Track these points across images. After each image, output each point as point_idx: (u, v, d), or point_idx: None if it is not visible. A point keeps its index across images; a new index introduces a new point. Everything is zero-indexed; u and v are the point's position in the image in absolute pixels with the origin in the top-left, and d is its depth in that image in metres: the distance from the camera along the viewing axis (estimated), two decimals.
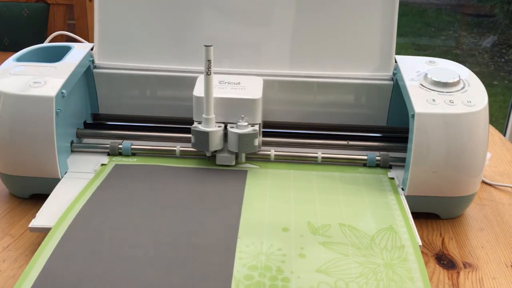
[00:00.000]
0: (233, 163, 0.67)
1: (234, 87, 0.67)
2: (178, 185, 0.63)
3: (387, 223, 0.57)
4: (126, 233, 0.55)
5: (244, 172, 0.66)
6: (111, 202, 0.60)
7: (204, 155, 0.67)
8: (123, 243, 0.53)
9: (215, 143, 0.64)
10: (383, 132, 0.73)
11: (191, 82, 0.67)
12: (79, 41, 0.88)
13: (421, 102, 0.62)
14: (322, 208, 0.59)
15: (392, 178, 0.65)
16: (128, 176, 0.64)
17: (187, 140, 0.68)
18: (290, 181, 0.64)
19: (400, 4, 0.70)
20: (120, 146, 0.69)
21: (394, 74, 0.71)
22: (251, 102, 0.65)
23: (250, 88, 0.67)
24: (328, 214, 0.58)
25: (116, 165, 0.67)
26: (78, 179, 0.64)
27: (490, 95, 0.63)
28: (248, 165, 0.67)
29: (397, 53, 0.72)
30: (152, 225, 0.56)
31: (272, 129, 0.72)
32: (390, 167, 0.68)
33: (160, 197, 0.61)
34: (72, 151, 0.69)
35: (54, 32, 0.89)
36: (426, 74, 0.66)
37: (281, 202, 0.60)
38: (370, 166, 0.68)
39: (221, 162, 0.67)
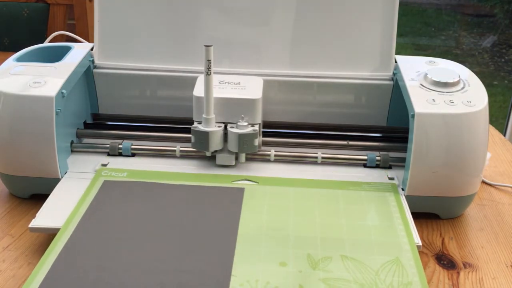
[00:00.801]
0: (233, 163, 0.67)
1: (234, 87, 0.67)
2: (170, 208, 0.59)
3: (393, 255, 0.53)
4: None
5: (241, 191, 0.62)
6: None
7: (204, 155, 0.67)
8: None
9: (215, 143, 0.64)
10: (383, 132, 0.73)
11: (191, 82, 0.67)
12: (79, 41, 0.88)
13: (421, 102, 0.62)
14: (323, 234, 0.55)
15: (392, 178, 0.65)
16: (118, 197, 0.61)
17: (187, 140, 0.68)
18: (289, 201, 0.61)
19: (400, 4, 0.70)
20: (120, 146, 0.69)
21: (394, 74, 0.71)
22: (251, 102, 0.65)
23: (250, 88, 0.67)
24: (329, 244, 0.54)
25: (105, 181, 0.63)
26: (78, 179, 0.64)
27: (490, 95, 0.63)
28: (245, 182, 0.64)
29: (397, 53, 0.72)
30: (139, 260, 0.52)
31: (272, 129, 0.72)
32: (390, 167, 0.68)
33: (149, 223, 0.57)
34: (72, 151, 0.69)
35: (54, 32, 0.89)
36: (426, 74, 0.66)
37: (279, 228, 0.56)
38: (370, 166, 0.67)
39: (221, 162, 0.67)
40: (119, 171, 0.65)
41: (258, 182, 0.64)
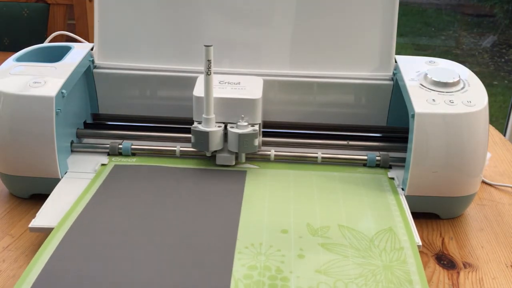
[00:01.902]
0: (233, 163, 0.67)
1: (234, 87, 0.67)
2: (177, 186, 0.63)
3: (386, 225, 0.57)
4: (126, 234, 0.55)
5: (244, 173, 0.66)
6: (111, 204, 0.59)
7: (204, 155, 0.67)
8: (123, 244, 0.53)
9: (215, 143, 0.64)
10: (383, 132, 0.73)
11: (191, 82, 0.67)
12: (79, 41, 0.88)
13: (421, 102, 0.62)
14: (321, 209, 0.59)
15: (392, 178, 0.65)
16: (127, 177, 0.64)
17: (187, 140, 0.68)
18: (289, 182, 0.64)
19: (400, 4, 0.70)
20: (120, 146, 0.69)
21: (394, 74, 0.71)
22: (251, 102, 0.65)
23: (250, 88, 0.67)
24: (327, 216, 0.58)
25: (115, 165, 0.66)
26: (78, 179, 0.64)
27: (490, 95, 0.63)
28: (247, 165, 0.67)
29: (397, 53, 0.72)
30: (151, 227, 0.56)
31: (272, 129, 0.72)
32: (390, 167, 0.68)
33: (159, 198, 0.60)
34: (72, 151, 0.69)
35: (54, 32, 0.89)
36: (426, 74, 0.66)
37: (280, 203, 0.60)
38: (370, 166, 0.68)
39: (221, 162, 0.67)
40: (128, 157, 0.69)
41: (259, 167, 0.67)
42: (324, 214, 0.59)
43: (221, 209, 0.59)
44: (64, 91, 0.64)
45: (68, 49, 0.73)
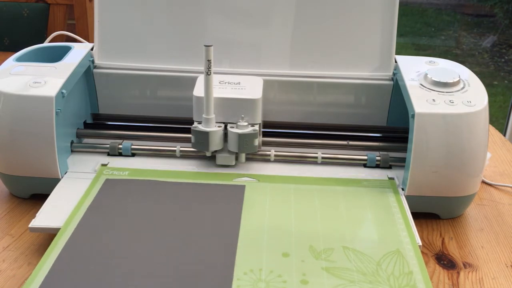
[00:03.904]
0: (233, 163, 0.67)
1: (234, 87, 0.67)
2: (173, 204, 0.60)
3: (393, 246, 0.54)
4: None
5: (242, 188, 0.63)
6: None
7: (204, 155, 0.67)
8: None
9: (215, 143, 0.64)
10: (383, 132, 0.73)
11: (191, 82, 0.67)
12: (79, 41, 0.88)
13: (421, 102, 0.62)
14: (324, 227, 0.56)
15: (392, 178, 0.65)
16: (120, 194, 0.61)
17: (187, 140, 0.68)
18: (290, 196, 0.61)
19: (400, 4, 0.70)
20: (120, 146, 0.69)
21: (394, 74, 0.71)
22: (251, 102, 0.65)
23: (250, 88, 0.67)
24: (330, 236, 0.55)
25: (107, 180, 0.64)
26: (78, 179, 0.64)
27: (490, 95, 0.63)
28: (246, 179, 0.65)
29: (397, 53, 0.72)
30: (144, 254, 0.52)
31: (272, 129, 0.72)
32: (390, 167, 0.68)
33: (153, 219, 0.57)
34: (72, 151, 0.69)
35: (54, 32, 0.89)
36: (426, 74, 0.66)
37: (281, 222, 0.57)
38: (370, 166, 0.67)
39: (221, 162, 0.67)
40: (120, 170, 0.65)
41: (258, 180, 0.64)
42: (327, 233, 0.55)
43: (218, 231, 0.55)
44: (64, 91, 0.64)
45: (68, 49, 0.73)
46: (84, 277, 0.49)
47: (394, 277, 0.50)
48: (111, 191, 0.61)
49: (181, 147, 0.68)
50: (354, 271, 0.50)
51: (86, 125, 0.73)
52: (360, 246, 0.54)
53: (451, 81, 0.65)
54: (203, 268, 0.50)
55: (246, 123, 0.64)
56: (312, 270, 0.50)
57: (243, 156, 0.66)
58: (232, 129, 0.64)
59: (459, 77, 0.66)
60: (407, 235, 0.56)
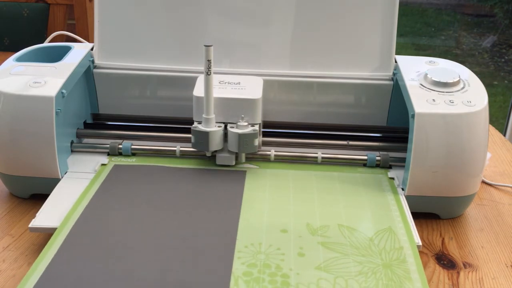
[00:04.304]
0: (233, 163, 0.67)
1: (234, 87, 0.67)
2: (177, 186, 0.63)
3: (385, 224, 0.57)
4: (126, 235, 0.55)
5: (243, 173, 0.66)
6: (111, 204, 0.59)
7: (204, 155, 0.67)
8: (123, 245, 0.53)
9: (215, 143, 0.64)
10: (383, 132, 0.73)
11: (191, 82, 0.67)
12: (79, 41, 0.88)
13: (421, 102, 0.62)
14: (321, 209, 0.60)
15: (392, 178, 0.65)
16: (127, 177, 0.64)
17: (187, 140, 0.68)
18: (289, 182, 0.64)
19: (400, 4, 0.70)
20: (120, 146, 0.69)
21: (394, 74, 0.71)
22: (251, 102, 0.65)
23: (250, 88, 0.67)
24: (327, 215, 0.59)
25: (115, 165, 0.66)
26: (78, 179, 0.64)
27: (490, 95, 0.63)
28: (247, 165, 0.67)
29: (397, 53, 0.72)
30: (151, 227, 0.56)
31: (272, 129, 0.72)
32: (390, 167, 0.68)
33: (159, 198, 0.61)
34: (72, 151, 0.69)
35: (54, 32, 0.89)
36: (426, 74, 0.66)
37: (280, 203, 0.60)
38: (370, 166, 0.68)
39: (221, 162, 0.67)
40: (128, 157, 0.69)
41: (259, 167, 0.67)
42: (323, 214, 0.59)
43: (221, 210, 0.59)
44: (64, 91, 0.64)
45: (68, 49, 0.73)
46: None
47: (386, 251, 0.54)
48: (117, 177, 0.64)
49: (181, 147, 0.68)
50: (348, 245, 0.54)
51: (86, 125, 0.73)
52: (354, 224, 0.57)
53: (451, 81, 0.65)
54: (206, 242, 0.54)
55: (246, 123, 0.64)
56: (308, 244, 0.54)
57: (243, 156, 0.66)
58: (232, 129, 0.64)
59: (459, 77, 0.66)
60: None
